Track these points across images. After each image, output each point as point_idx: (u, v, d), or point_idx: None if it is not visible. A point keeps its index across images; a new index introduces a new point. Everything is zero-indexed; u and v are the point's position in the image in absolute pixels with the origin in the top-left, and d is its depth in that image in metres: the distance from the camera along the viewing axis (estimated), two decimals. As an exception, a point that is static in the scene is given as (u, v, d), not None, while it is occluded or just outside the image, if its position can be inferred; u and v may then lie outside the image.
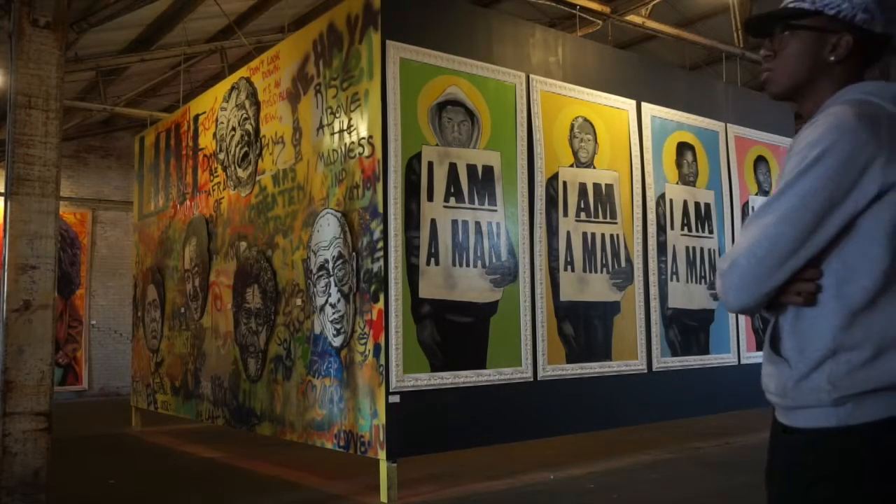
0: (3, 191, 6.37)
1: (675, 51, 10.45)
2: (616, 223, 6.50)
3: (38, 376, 4.54)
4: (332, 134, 5.66)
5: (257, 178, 6.63)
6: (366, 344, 5.18)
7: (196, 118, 7.90)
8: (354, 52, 5.46)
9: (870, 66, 1.56)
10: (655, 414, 6.74)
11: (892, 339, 1.40)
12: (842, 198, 1.39)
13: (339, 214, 5.49)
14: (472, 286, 5.47)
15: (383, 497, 4.94)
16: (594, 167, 6.40)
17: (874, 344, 1.40)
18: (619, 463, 6.21)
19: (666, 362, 6.73)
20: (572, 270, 6.15)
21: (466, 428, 5.41)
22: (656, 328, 6.70)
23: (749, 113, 8.00)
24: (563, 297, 6.05)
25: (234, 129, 7.07)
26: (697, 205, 7.26)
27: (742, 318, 7.48)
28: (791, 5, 1.56)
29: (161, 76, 11.22)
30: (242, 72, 7.07)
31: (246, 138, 6.85)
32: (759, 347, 7.62)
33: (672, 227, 7.00)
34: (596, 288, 6.29)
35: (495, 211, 5.68)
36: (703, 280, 7.20)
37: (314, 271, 5.74)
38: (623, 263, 6.51)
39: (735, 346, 7.39)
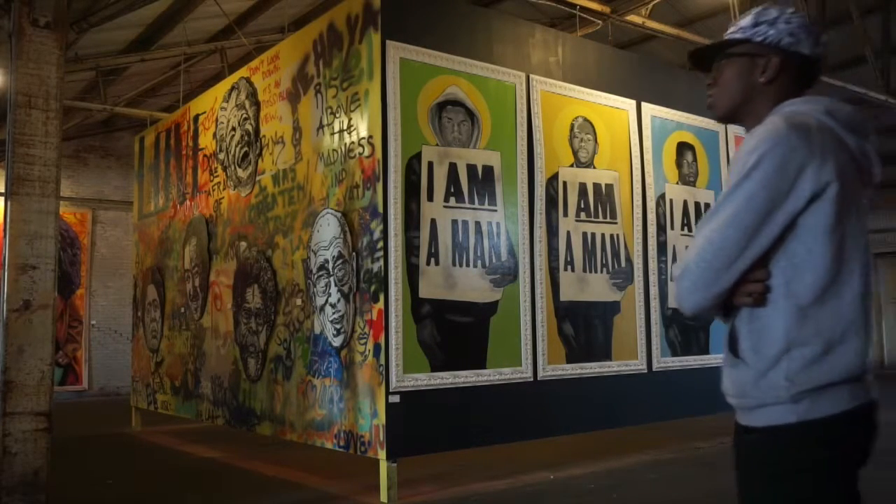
0: (3, 191, 6.37)
1: (675, 51, 10.44)
2: (616, 223, 6.50)
3: (38, 376, 4.54)
4: (332, 134, 5.66)
5: (257, 178, 6.63)
6: (366, 344, 5.18)
7: (196, 118, 7.90)
8: (354, 52, 5.46)
9: (809, 85, 1.68)
10: (655, 414, 6.74)
11: (841, 334, 1.48)
12: (781, 199, 1.48)
13: (339, 214, 5.49)
14: (472, 286, 5.47)
15: (383, 497, 4.94)
16: (594, 167, 6.40)
17: (824, 339, 1.48)
18: (619, 463, 6.21)
19: (666, 362, 6.73)
20: (572, 270, 6.15)
21: (466, 428, 5.41)
22: (656, 328, 6.70)
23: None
24: (563, 297, 6.06)
25: (234, 129, 7.08)
26: (697, 205, 7.26)
27: (742, 318, 7.46)
28: (726, 36, 1.71)
29: (161, 76, 11.22)
30: (242, 72, 7.07)
31: (246, 138, 6.85)
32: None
33: (672, 227, 7.00)
34: (596, 288, 6.29)
35: (495, 211, 5.68)
36: (703, 280, 7.19)
37: (314, 271, 5.74)
38: (623, 263, 6.52)
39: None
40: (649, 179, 6.80)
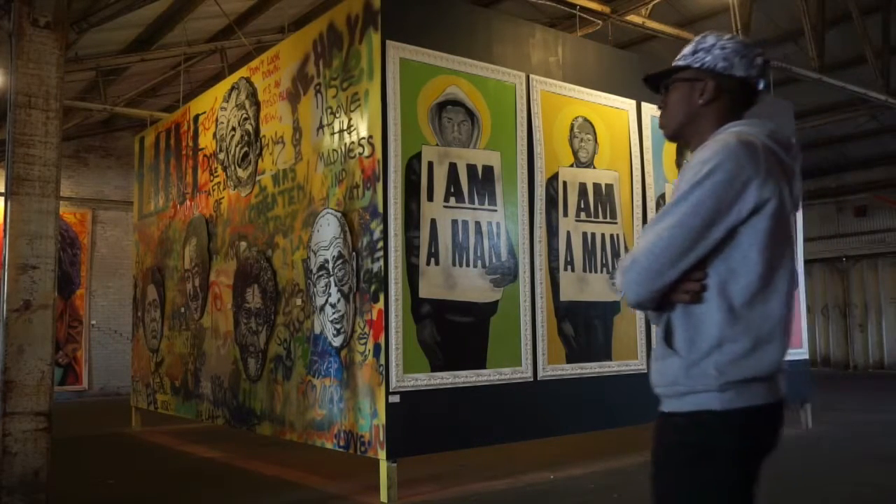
0: (3, 191, 6.37)
1: (675, 51, 10.36)
2: (616, 223, 6.50)
3: (38, 376, 4.54)
4: (332, 134, 5.66)
5: (257, 178, 6.63)
6: (366, 344, 5.18)
7: (196, 118, 7.90)
8: (354, 52, 5.46)
9: (749, 104, 1.83)
10: (656, 414, 6.70)
11: (767, 334, 1.65)
12: (726, 209, 1.63)
13: (339, 214, 5.49)
14: (472, 286, 5.47)
15: (383, 497, 4.94)
16: (594, 167, 6.40)
17: (752, 337, 1.64)
18: (619, 463, 6.21)
19: (666, 362, 6.73)
20: (572, 270, 6.15)
21: (466, 428, 5.41)
22: (656, 328, 6.69)
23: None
24: (563, 297, 6.05)
25: (234, 129, 7.08)
26: (697, 205, 7.25)
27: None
28: (673, 64, 1.88)
29: (161, 76, 11.22)
30: (242, 72, 7.07)
31: (246, 138, 6.85)
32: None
33: (672, 227, 6.99)
34: (596, 288, 6.29)
35: (495, 211, 5.68)
36: (703, 280, 7.18)
37: (314, 271, 5.74)
38: (623, 263, 6.51)
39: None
40: (649, 179, 6.80)
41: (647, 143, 6.86)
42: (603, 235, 6.39)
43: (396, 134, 5.20)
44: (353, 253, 5.32)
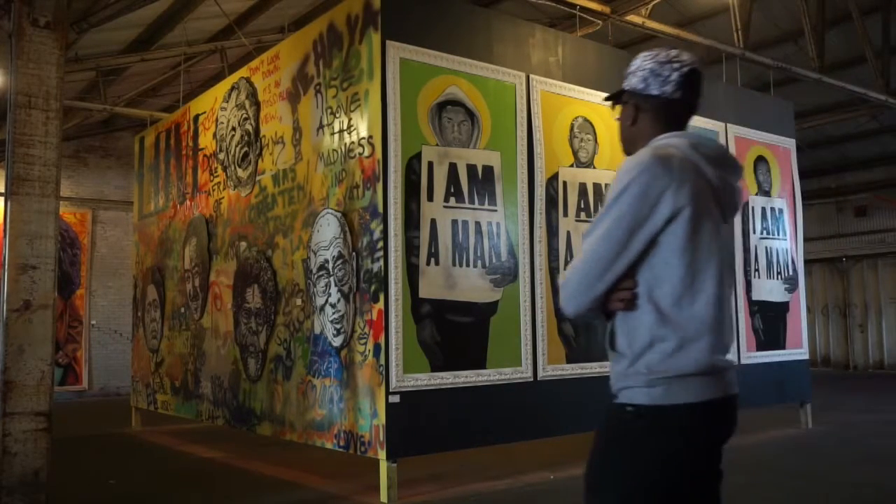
0: (3, 191, 6.37)
1: (674, 51, 10.42)
2: (616, 223, 6.49)
3: (38, 376, 4.54)
4: (332, 134, 5.66)
5: (257, 178, 6.63)
6: (366, 344, 5.18)
7: (196, 118, 7.90)
8: (354, 52, 5.46)
9: (676, 119, 1.94)
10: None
11: (694, 333, 1.75)
12: (644, 219, 1.74)
13: (339, 214, 5.49)
14: (472, 286, 5.47)
15: (383, 497, 4.94)
16: (594, 167, 6.40)
17: (679, 337, 1.75)
18: (619, 463, 6.20)
19: (666, 362, 6.73)
20: (572, 270, 6.14)
21: (466, 428, 5.40)
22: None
23: (749, 113, 8.00)
24: (563, 297, 6.04)
25: (234, 129, 7.07)
26: (697, 205, 7.25)
27: (742, 318, 7.48)
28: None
29: (161, 76, 11.22)
30: (242, 72, 7.07)
31: (246, 138, 6.85)
32: (758, 348, 7.62)
33: (672, 227, 6.99)
34: (596, 288, 6.28)
35: (495, 211, 5.68)
36: (703, 280, 7.18)
37: (314, 271, 5.74)
38: (623, 263, 6.51)
39: (735, 345, 7.38)
40: (649, 179, 6.80)
41: (647, 143, 6.85)
42: (603, 235, 6.38)
43: (396, 134, 5.20)
44: (353, 253, 5.32)
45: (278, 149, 6.34)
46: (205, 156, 7.65)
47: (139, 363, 8.99)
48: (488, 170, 5.67)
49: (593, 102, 6.48)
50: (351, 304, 5.34)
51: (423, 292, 5.23)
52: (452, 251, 5.40)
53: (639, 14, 7.80)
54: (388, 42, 5.24)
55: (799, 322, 8.14)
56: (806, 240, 8.80)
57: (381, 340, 5.03)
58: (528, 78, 6.04)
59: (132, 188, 10.21)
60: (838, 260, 16.70)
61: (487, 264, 5.57)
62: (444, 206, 5.40)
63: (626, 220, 1.75)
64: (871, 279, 16.27)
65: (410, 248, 5.19)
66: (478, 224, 5.56)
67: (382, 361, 5.00)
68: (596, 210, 6.37)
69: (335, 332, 5.48)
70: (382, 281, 5.07)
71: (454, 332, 5.33)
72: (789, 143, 8.41)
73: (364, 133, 5.32)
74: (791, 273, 8.15)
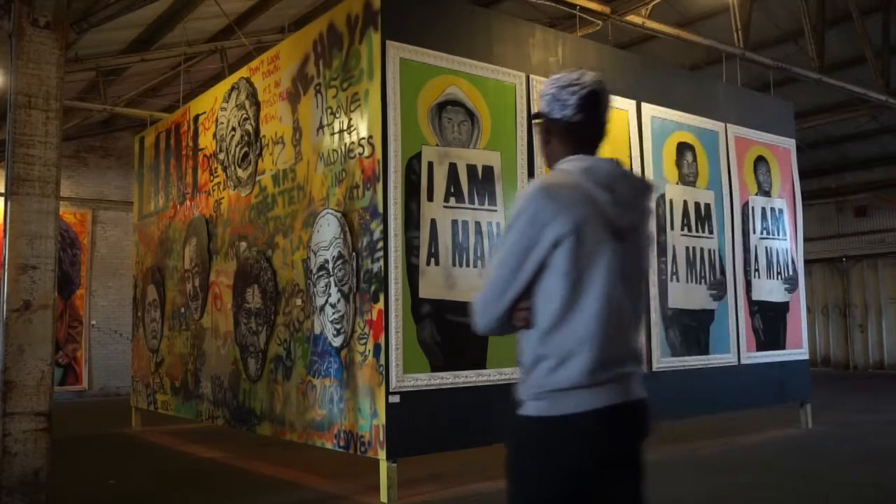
0: (3, 191, 6.37)
1: (675, 51, 10.44)
2: (616, 223, 6.49)
3: (38, 376, 4.54)
4: (332, 134, 5.66)
5: (257, 179, 6.63)
6: (366, 344, 5.18)
7: (196, 118, 7.90)
8: (354, 52, 5.46)
9: (580, 140, 2.04)
10: (655, 414, 6.72)
11: (570, 351, 1.88)
12: (533, 246, 1.88)
13: (339, 214, 5.49)
14: (473, 286, 5.46)
15: (383, 497, 4.94)
16: (594, 167, 6.39)
17: (559, 355, 1.89)
18: (619, 463, 6.20)
19: (666, 362, 6.73)
20: (572, 270, 6.14)
21: (466, 428, 5.40)
22: (656, 328, 6.70)
23: (749, 113, 8.00)
24: (563, 297, 6.04)
25: (234, 129, 7.07)
26: (697, 205, 7.26)
27: (742, 318, 7.47)
28: None
29: (161, 76, 11.22)
30: (242, 72, 7.07)
31: (246, 138, 6.85)
32: (758, 348, 7.63)
33: (672, 228, 6.99)
34: (596, 288, 6.28)
35: (495, 211, 5.68)
36: (702, 280, 7.19)
37: (314, 271, 5.74)
38: (623, 263, 6.50)
39: (735, 346, 7.38)
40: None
41: (647, 143, 6.86)
42: (603, 235, 6.38)
43: (396, 134, 5.20)
44: (353, 253, 5.32)
45: (278, 149, 6.34)
46: (205, 156, 7.65)
47: (139, 363, 8.99)
48: (488, 170, 5.67)
49: (593, 102, 6.47)
50: (351, 305, 5.34)
51: (423, 292, 5.23)
52: (452, 251, 5.40)
53: (639, 14, 7.80)
54: (388, 42, 5.24)
55: (799, 322, 8.14)
56: (806, 240, 8.80)
57: (381, 340, 5.03)
58: (528, 78, 6.04)
59: (132, 188, 10.21)
60: (838, 260, 16.70)
61: (487, 264, 5.57)
62: (444, 207, 5.40)
63: (518, 246, 1.90)
64: (871, 279, 16.27)
65: (410, 249, 5.19)
66: (478, 224, 5.56)
67: (382, 361, 5.00)
68: (596, 210, 6.38)
69: (335, 333, 5.48)
70: (382, 281, 5.07)
71: (454, 332, 5.33)
72: (789, 143, 8.41)
73: (364, 133, 5.32)
74: (791, 273, 8.15)
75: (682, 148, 7.23)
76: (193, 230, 7.77)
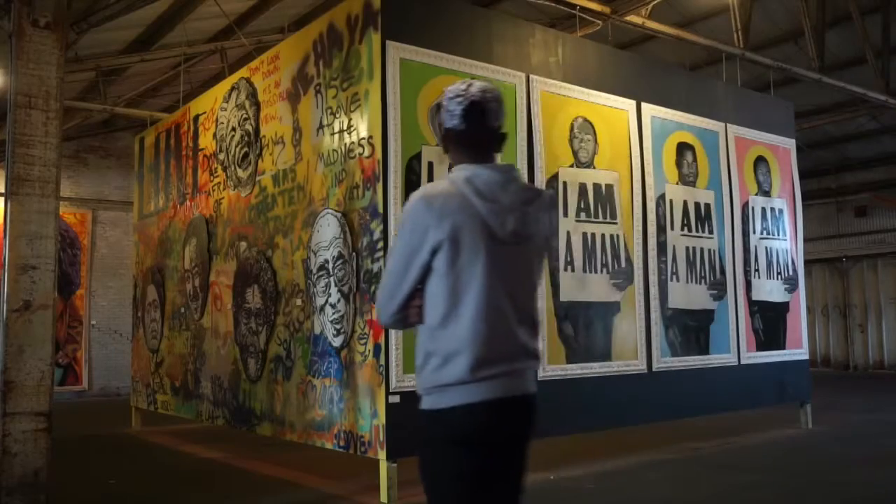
0: (3, 191, 6.37)
1: (675, 51, 10.44)
2: (616, 223, 6.50)
3: (38, 376, 4.54)
4: (332, 134, 5.66)
5: (257, 179, 6.63)
6: (366, 344, 5.18)
7: (196, 118, 7.90)
8: (354, 52, 5.46)
9: (475, 149, 2.15)
10: (655, 414, 6.74)
11: (454, 350, 2.02)
12: (416, 251, 2.05)
13: (339, 214, 5.49)
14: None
15: (383, 497, 4.94)
16: (594, 167, 6.40)
17: (444, 354, 2.04)
18: (619, 463, 6.21)
19: (666, 362, 6.73)
20: (572, 270, 6.15)
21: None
22: (656, 328, 6.70)
23: (749, 113, 8.00)
24: (563, 297, 6.06)
25: (234, 129, 7.08)
26: (697, 205, 7.26)
27: (742, 318, 7.48)
28: None
29: (161, 76, 11.22)
30: (242, 72, 7.07)
31: (246, 138, 6.85)
32: (758, 348, 7.63)
33: (672, 228, 6.99)
34: (596, 288, 6.29)
35: (495, 211, 5.67)
36: (702, 280, 7.19)
37: (314, 271, 5.74)
38: (623, 263, 6.51)
39: (735, 346, 7.38)
40: (649, 180, 6.80)
41: (647, 143, 6.86)
42: (603, 236, 6.39)
43: (396, 134, 5.20)
44: (353, 253, 5.32)
45: (278, 149, 6.34)
46: (205, 156, 7.65)
47: (139, 363, 8.99)
48: (488, 170, 5.66)
49: (593, 103, 6.48)
50: (351, 305, 5.34)
51: (423, 292, 5.21)
52: (452, 251, 5.39)
53: (639, 14, 7.81)
54: (388, 42, 5.24)
55: (799, 322, 8.14)
56: (806, 240, 8.81)
57: (381, 340, 5.03)
58: (528, 78, 6.04)
59: (132, 188, 10.21)
60: (838, 260, 16.70)
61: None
62: (444, 207, 5.39)
63: (404, 251, 2.08)
64: (870, 279, 16.27)
65: (410, 249, 5.18)
66: (478, 224, 5.55)
67: (382, 361, 5.00)
68: (596, 210, 6.39)
69: (335, 333, 5.48)
70: (382, 281, 5.06)
71: (454, 332, 5.31)
72: (789, 143, 8.41)
73: (364, 133, 5.32)
74: (791, 273, 8.15)
75: (682, 148, 7.24)
76: (193, 230, 7.77)
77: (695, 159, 7.33)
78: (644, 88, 6.95)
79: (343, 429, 5.33)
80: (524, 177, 5.87)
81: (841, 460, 6.37)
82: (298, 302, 5.93)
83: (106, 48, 9.92)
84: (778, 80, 10.27)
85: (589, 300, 6.23)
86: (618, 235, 6.50)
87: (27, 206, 4.62)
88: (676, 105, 7.21)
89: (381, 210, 5.11)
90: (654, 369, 6.61)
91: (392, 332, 5.01)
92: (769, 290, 7.86)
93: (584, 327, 6.17)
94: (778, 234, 8.07)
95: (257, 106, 6.70)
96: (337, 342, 5.45)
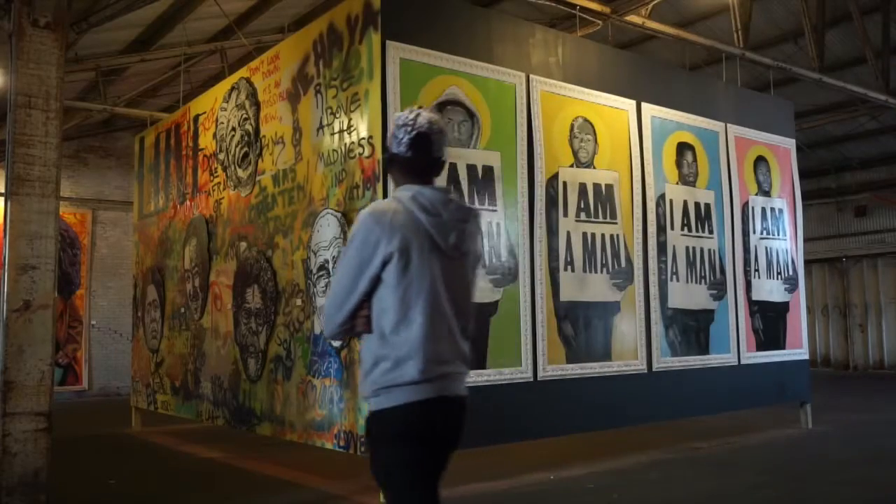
0: (3, 191, 6.37)
1: (675, 51, 10.45)
2: (616, 223, 6.50)
3: (38, 376, 4.54)
4: (332, 134, 5.66)
5: (257, 179, 6.63)
6: (366, 344, 5.17)
7: (196, 118, 7.90)
8: (354, 52, 5.46)
9: (419, 172, 2.34)
10: (655, 414, 6.74)
11: (406, 354, 2.18)
12: (366, 263, 2.19)
13: (339, 215, 5.49)
14: (472, 286, 5.46)
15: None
16: (594, 167, 6.40)
17: (395, 358, 2.20)
18: (619, 463, 6.21)
19: (666, 362, 6.73)
20: (572, 270, 6.15)
21: (466, 428, 5.39)
22: (656, 328, 6.70)
23: (749, 113, 8.00)
24: (563, 297, 6.05)
25: (234, 129, 7.07)
26: (697, 205, 7.26)
27: (742, 318, 7.48)
28: None
29: (161, 76, 11.22)
30: (242, 72, 7.06)
31: (246, 138, 6.85)
32: (758, 348, 7.63)
33: (672, 228, 6.99)
34: (596, 288, 6.29)
35: (495, 211, 5.68)
36: (702, 280, 7.19)
37: (314, 271, 5.74)
38: (623, 263, 6.51)
39: (735, 346, 7.38)
40: (649, 179, 6.80)
41: (647, 143, 6.86)
42: (603, 236, 6.39)
43: (396, 134, 5.19)
44: (353, 253, 5.31)
45: (278, 149, 6.34)
46: (205, 156, 7.65)
47: (139, 363, 8.99)
48: (488, 170, 5.67)
49: (593, 103, 6.48)
50: (351, 304, 5.33)
51: (423, 292, 5.21)
52: (452, 251, 5.39)
53: (639, 14, 7.81)
54: (388, 42, 5.24)
55: (799, 322, 8.14)
56: (806, 240, 8.81)
57: (381, 340, 5.02)
58: (528, 78, 6.04)
59: (132, 188, 10.21)
60: (838, 260, 16.69)
61: (487, 264, 5.57)
62: (444, 206, 5.39)
63: (354, 263, 2.21)
64: (870, 279, 16.27)
65: (410, 248, 5.18)
66: (478, 224, 5.55)
67: (382, 361, 4.99)
68: (596, 210, 6.39)
69: (335, 332, 5.47)
70: (382, 281, 5.05)
71: (454, 332, 5.32)
72: (789, 143, 8.41)
73: (364, 133, 5.32)
74: (791, 273, 8.15)
75: (682, 148, 7.24)
76: (193, 230, 7.77)
77: (695, 159, 7.33)
78: (644, 88, 6.95)
79: (343, 429, 5.33)
80: (524, 177, 5.89)
81: (841, 460, 6.37)
82: (298, 302, 5.93)
83: (106, 48, 9.92)
84: (778, 80, 10.27)
85: (589, 300, 6.23)
86: (618, 235, 6.50)
87: (27, 206, 4.62)
88: (676, 105, 7.21)
89: (381, 210, 5.10)
90: (654, 369, 6.61)
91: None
92: (769, 289, 7.86)
93: (584, 327, 6.17)
94: (778, 234, 8.07)
95: (257, 106, 6.70)
96: (337, 342, 5.45)
